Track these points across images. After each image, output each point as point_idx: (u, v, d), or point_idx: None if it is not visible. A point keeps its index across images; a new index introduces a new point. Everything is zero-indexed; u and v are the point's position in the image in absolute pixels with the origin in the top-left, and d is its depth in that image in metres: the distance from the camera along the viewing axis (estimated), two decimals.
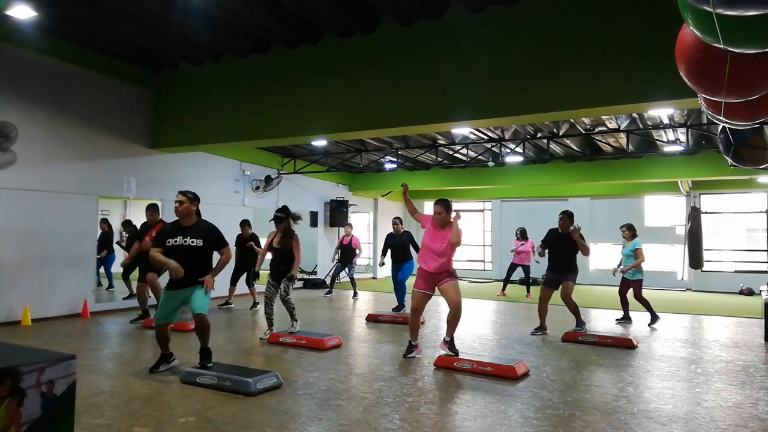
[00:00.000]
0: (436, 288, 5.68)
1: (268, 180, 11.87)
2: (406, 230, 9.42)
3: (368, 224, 17.02)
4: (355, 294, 11.48)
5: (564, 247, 7.15)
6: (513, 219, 16.01)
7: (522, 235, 12.03)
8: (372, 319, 8.33)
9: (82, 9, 6.71)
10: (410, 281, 8.72)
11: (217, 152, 10.69)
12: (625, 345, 6.51)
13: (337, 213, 14.06)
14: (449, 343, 5.62)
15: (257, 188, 11.76)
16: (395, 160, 12.62)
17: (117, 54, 8.37)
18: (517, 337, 7.18)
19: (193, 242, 4.95)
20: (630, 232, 8.29)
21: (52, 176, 7.96)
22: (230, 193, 11.18)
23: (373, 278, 16.20)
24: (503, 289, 12.09)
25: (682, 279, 14.00)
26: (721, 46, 2.69)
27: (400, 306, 9.11)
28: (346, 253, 11.39)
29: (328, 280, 12.82)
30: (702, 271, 13.42)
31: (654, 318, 8.11)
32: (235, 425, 3.69)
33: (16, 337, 6.55)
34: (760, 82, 3.19)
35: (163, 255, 4.93)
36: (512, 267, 12.06)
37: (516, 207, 16.33)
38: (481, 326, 8.03)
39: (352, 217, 15.14)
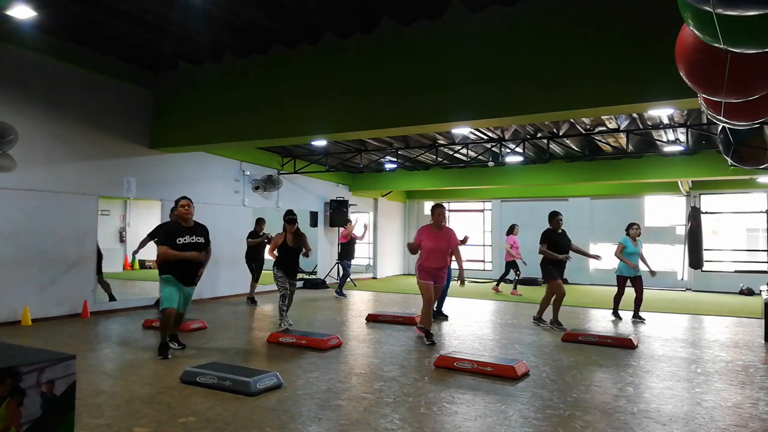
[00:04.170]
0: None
1: (269, 180, 11.85)
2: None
3: (368, 224, 17.00)
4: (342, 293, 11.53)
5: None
6: (513, 219, 15.99)
7: (513, 230, 12.50)
8: (372, 319, 8.33)
9: (82, 9, 6.71)
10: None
11: (217, 152, 10.68)
12: (625, 345, 6.51)
13: (337, 213, 14.05)
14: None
15: (257, 188, 11.76)
16: (395, 160, 12.61)
17: (117, 54, 8.37)
18: (517, 337, 7.18)
19: (199, 240, 5.81)
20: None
21: (52, 176, 7.95)
22: (230, 193, 11.17)
23: (373, 278, 16.21)
24: (498, 284, 12.73)
25: (682, 279, 14.00)
26: (721, 46, 2.68)
27: (439, 312, 8.49)
28: (352, 248, 11.65)
29: (329, 281, 12.83)
30: (702, 271, 13.41)
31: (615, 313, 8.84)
32: (235, 425, 3.69)
33: (16, 337, 6.55)
34: (760, 82, 3.18)
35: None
36: (514, 264, 12.30)
37: (516, 207, 16.33)
38: (481, 326, 8.03)
39: (352, 218, 15.14)
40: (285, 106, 7.81)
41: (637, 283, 8.44)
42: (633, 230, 8.54)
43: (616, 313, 8.78)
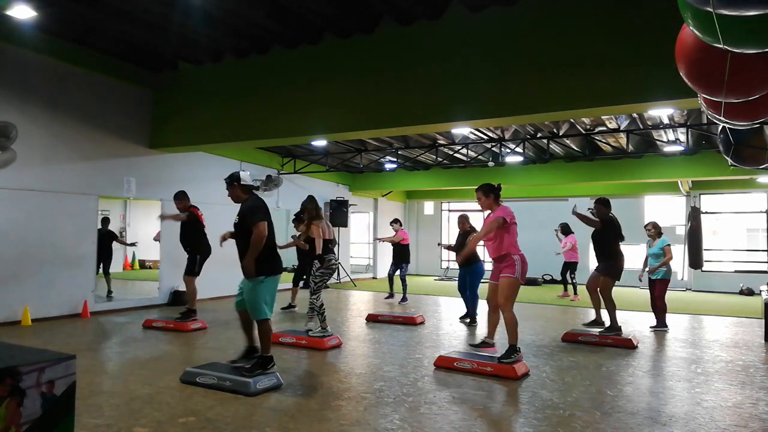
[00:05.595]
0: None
1: (268, 180, 11.85)
2: (473, 227, 8.66)
3: (368, 224, 17.02)
4: (404, 298, 10.53)
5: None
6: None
7: (565, 230, 11.64)
8: (372, 319, 8.33)
9: (82, 9, 6.71)
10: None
11: (217, 152, 10.68)
12: (625, 345, 6.51)
13: (337, 213, 14.06)
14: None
15: (257, 188, 11.73)
16: (395, 160, 12.62)
17: (117, 54, 8.36)
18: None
19: (236, 219, 4.74)
20: (656, 230, 7.99)
21: (52, 176, 7.95)
22: None
23: (373, 278, 16.21)
24: (565, 290, 11.79)
25: (682, 279, 14.00)
26: (721, 46, 2.68)
27: (471, 317, 8.30)
28: (404, 251, 10.53)
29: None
30: (702, 271, 13.42)
31: (662, 324, 7.83)
32: (235, 425, 3.69)
33: (16, 337, 6.55)
34: (760, 82, 3.18)
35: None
36: (565, 265, 11.69)
37: (516, 207, 16.15)
38: (481, 326, 8.03)
39: (352, 217, 15.12)
40: (285, 106, 7.80)
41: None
42: (646, 231, 8.05)
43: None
